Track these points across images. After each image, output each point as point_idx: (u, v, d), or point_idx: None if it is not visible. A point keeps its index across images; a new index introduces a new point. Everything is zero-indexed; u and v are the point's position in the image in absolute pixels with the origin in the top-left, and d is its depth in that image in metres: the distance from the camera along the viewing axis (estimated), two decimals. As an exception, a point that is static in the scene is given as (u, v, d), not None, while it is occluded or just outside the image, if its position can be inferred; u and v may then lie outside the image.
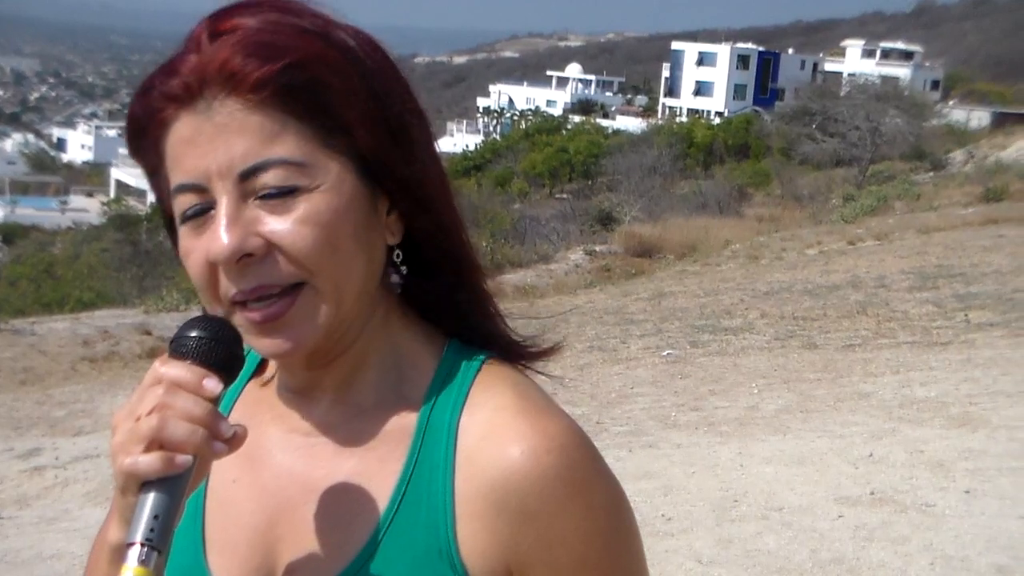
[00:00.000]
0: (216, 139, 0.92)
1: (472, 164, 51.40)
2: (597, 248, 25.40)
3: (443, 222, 1.02)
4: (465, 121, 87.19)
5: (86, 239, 35.17)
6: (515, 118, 71.99)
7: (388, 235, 1.00)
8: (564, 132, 53.93)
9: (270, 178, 0.92)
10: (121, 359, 14.13)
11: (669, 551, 5.20)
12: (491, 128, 74.94)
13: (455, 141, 74.74)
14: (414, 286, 1.04)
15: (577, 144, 48.23)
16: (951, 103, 66.48)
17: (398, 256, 1.02)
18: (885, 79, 54.72)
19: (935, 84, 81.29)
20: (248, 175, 0.92)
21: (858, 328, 11.90)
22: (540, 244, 26.64)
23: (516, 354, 1.06)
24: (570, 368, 10.61)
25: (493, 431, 0.96)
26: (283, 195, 0.92)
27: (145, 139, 0.97)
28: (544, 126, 57.48)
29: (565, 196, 41.67)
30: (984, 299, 12.83)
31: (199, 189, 0.93)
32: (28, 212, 54.21)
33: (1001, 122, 52.58)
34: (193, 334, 0.93)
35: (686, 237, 26.47)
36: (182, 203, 0.95)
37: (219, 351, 0.93)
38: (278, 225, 0.92)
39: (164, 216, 1.02)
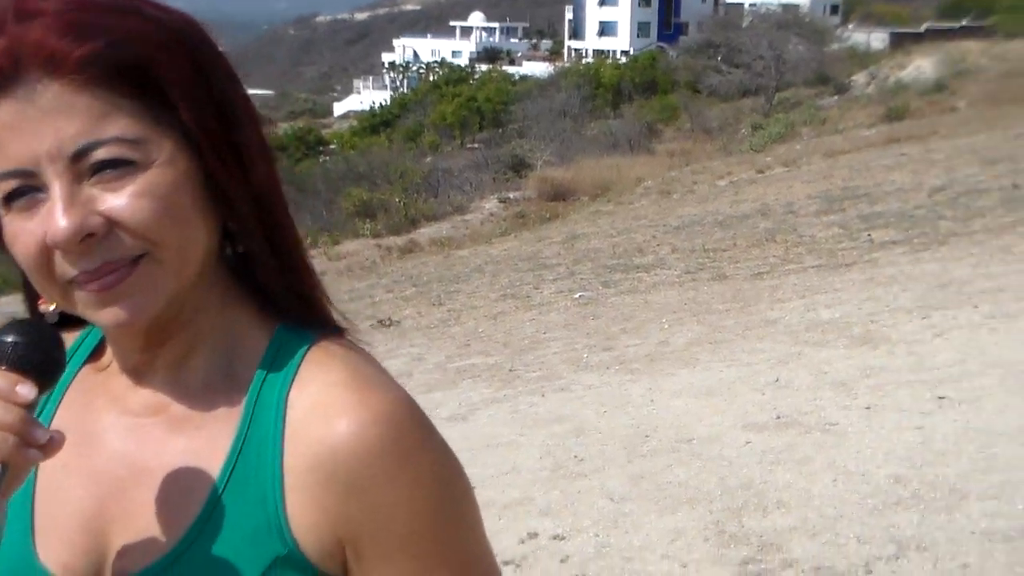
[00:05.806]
0: (42, 123, 0.89)
1: (381, 120, 51.00)
2: (511, 195, 25.42)
3: (263, 192, 1.00)
4: (371, 78, 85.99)
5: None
6: (421, 72, 71.39)
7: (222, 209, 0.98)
8: (471, 82, 53.64)
9: (103, 153, 0.90)
10: None
11: (582, 492, 5.26)
12: (398, 83, 74.22)
13: (362, 99, 73.95)
14: (242, 263, 1.03)
15: (485, 93, 48.11)
16: (851, 26, 67.23)
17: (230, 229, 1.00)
18: (786, 7, 55.04)
19: (834, 9, 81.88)
20: (80, 155, 0.89)
21: (767, 256, 12.08)
22: (454, 196, 26.58)
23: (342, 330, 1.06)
24: (483, 319, 10.65)
25: (321, 405, 0.96)
26: (118, 169, 0.90)
27: None
28: (451, 77, 57.09)
29: (476, 146, 41.61)
30: (887, 218, 13.10)
31: (27, 174, 0.90)
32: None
33: (899, 42, 53.16)
34: (8, 339, 0.91)
35: (599, 178, 26.53)
36: (4, 189, 0.91)
37: (36, 355, 0.91)
38: (116, 201, 0.90)
39: None
